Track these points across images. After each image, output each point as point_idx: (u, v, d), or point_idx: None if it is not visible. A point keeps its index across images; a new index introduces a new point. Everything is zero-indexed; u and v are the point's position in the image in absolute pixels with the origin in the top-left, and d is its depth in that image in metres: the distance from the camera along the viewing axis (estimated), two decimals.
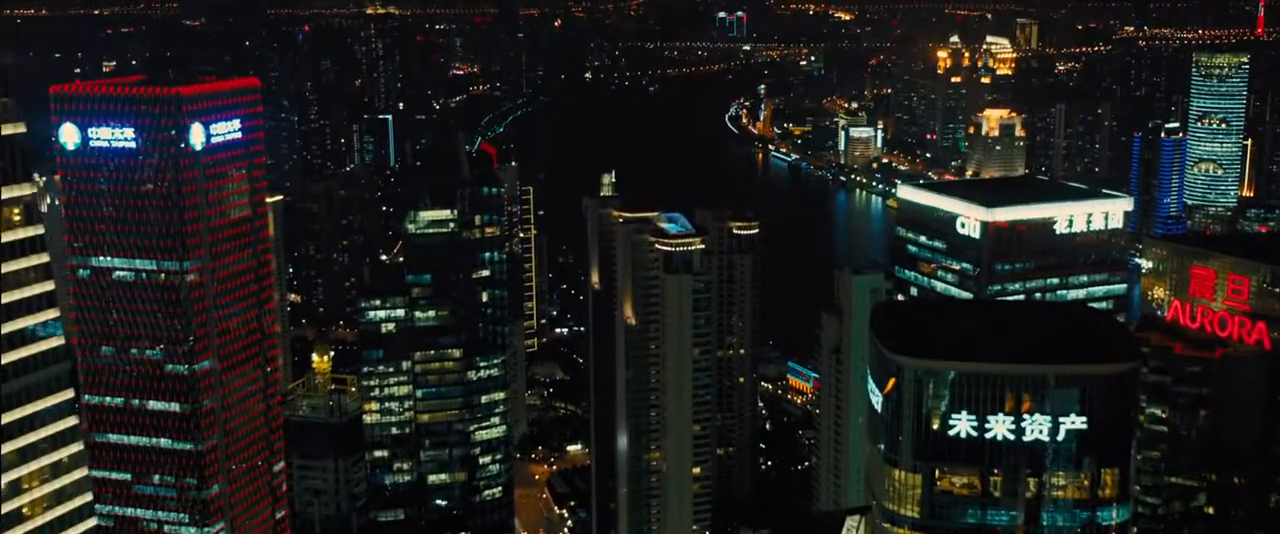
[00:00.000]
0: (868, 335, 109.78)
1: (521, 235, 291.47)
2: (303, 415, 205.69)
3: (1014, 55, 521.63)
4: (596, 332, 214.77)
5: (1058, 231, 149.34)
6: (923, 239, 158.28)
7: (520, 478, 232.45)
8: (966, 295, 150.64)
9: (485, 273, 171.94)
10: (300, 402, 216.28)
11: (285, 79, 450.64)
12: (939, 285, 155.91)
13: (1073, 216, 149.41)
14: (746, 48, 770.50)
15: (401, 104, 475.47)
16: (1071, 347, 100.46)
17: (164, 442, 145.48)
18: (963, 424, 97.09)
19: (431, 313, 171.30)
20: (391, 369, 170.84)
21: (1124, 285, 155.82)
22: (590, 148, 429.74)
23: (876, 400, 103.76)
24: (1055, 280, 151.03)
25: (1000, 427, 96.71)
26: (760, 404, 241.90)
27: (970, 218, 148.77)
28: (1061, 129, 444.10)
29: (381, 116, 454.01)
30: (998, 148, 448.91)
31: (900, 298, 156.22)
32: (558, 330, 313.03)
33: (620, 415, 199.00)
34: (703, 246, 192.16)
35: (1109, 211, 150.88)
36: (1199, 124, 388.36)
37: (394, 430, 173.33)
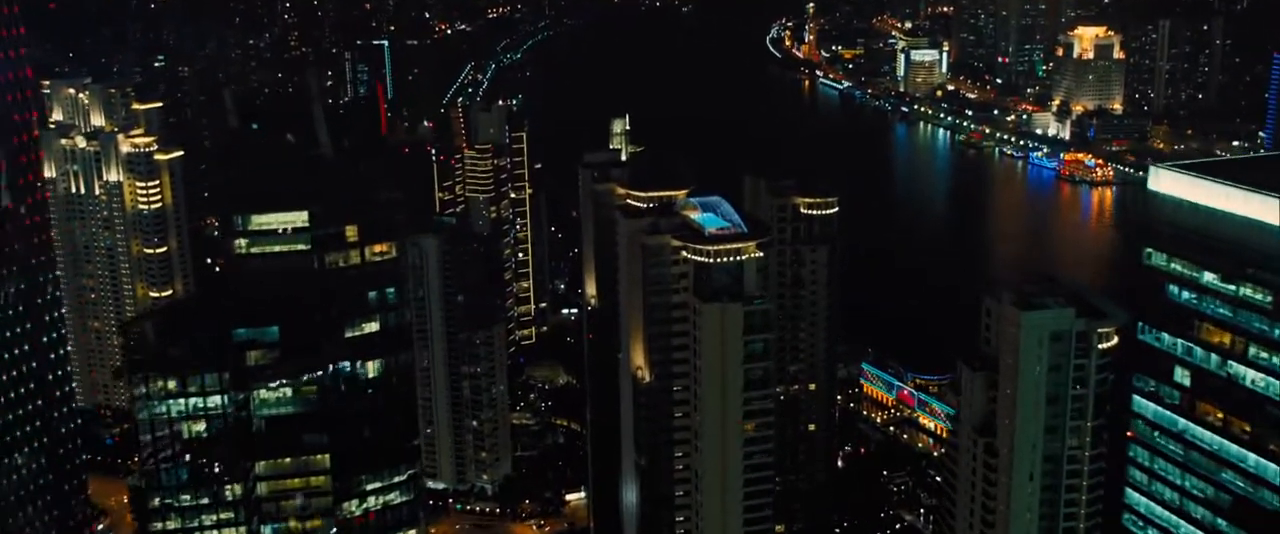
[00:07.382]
0: None
1: (514, 195, 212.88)
2: None
3: None
4: (594, 376, 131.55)
5: None
6: (1210, 279, 74.27)
7: None
8: None
9: (373, 326, 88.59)
10: None
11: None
12: (1248, 375, 72.17)
13: None
14: None
15: (392, 27, 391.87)
16: None
17: None
18: None
19: (283, 394, 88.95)
20: (207, 498, 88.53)
21: None
22: (614, 79, 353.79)
23: None
24: None
25: None
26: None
27: None
28: (1164, 50, 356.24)
29: (377, 42, 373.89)
30: (1087, 73, 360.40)
31: None
32: (565, 312, 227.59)
33: (629, 524, 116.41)
34: (760, 254, 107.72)
35: None
36: None
37: None
